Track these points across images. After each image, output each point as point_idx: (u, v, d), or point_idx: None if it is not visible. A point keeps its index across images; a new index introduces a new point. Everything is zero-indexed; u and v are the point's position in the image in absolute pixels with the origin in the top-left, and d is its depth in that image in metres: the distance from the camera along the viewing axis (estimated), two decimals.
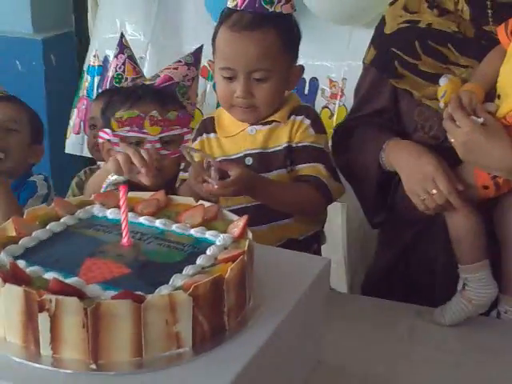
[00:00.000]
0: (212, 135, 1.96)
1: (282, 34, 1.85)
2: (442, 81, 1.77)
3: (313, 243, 1.95)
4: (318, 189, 1.84)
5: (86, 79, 3.79)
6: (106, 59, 3.68)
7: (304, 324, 1.37)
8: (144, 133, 1.61)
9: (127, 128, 1.61)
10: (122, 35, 2.64)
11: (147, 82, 2.06)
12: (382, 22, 1.99)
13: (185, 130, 1.66)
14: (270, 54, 1.83)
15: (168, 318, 1.10)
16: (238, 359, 1.12)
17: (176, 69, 2.13)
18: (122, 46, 2.62)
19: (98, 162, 2.54)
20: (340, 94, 3.15)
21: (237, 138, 1.92)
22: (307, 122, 1.90)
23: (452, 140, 1.69)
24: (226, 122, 1.95)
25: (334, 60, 3.18)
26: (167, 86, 2.06)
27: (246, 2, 1.82)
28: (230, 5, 1.86)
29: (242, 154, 1.91)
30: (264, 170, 1.87)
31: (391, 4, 2.00)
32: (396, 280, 2.01)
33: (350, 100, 2.94)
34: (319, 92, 3.22)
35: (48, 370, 1.09)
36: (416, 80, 1.88)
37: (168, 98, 1.89)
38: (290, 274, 1.36)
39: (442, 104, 1.75)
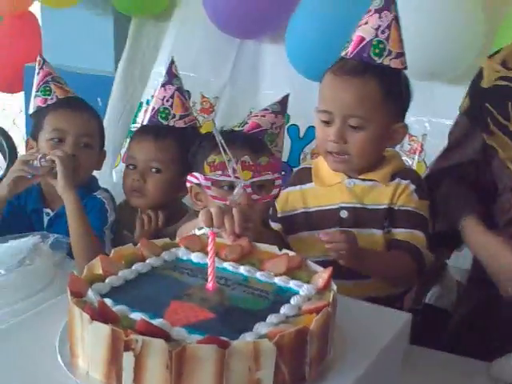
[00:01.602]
0: (308, 185, 1.97)
1: (385, 87, 1.84)
2: None
3: (395, 302, 1.89)
4: (414, 257, 1.82)
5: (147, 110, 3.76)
6: None
7: (382, 379, 1.36)
8: (236, 177, 1.61)
9: (219, 172, 1.62)
10: (173, 61, 2.49)
11: (236, 129, 2.07)
12: (480, 74, 1.97)
13: (276, 175, 1.66)
14: (367, 102, 1.83)
15: (251, 364, 1.11)
16: None
17: (264, 116, 2.13)
18: (172, 75, 2.46)
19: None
20: (419, 149, 3.12)
21: (333, 189, 1.92)
22: (412, 187, 1.89)
23: None
24: (323, 172, 1.95)
25: (415, 115, 3.16)
26: (256, 133, 2.08)
27: (355, 52, 1.85)
28: (342, 53, 1.88)
29: (337, 206, 1.90)
30: (358, 225, 1.86)
31: (490, 57, 1.98)
32: (472, 336, 1.97)
33: (429, 156, 2.93)
34: (398, 146, 3.20)
35: None
36: (504, 139, 1.86)
37: (258, 144, 1.90)
38: (371, 328, 1.35)
39: None
